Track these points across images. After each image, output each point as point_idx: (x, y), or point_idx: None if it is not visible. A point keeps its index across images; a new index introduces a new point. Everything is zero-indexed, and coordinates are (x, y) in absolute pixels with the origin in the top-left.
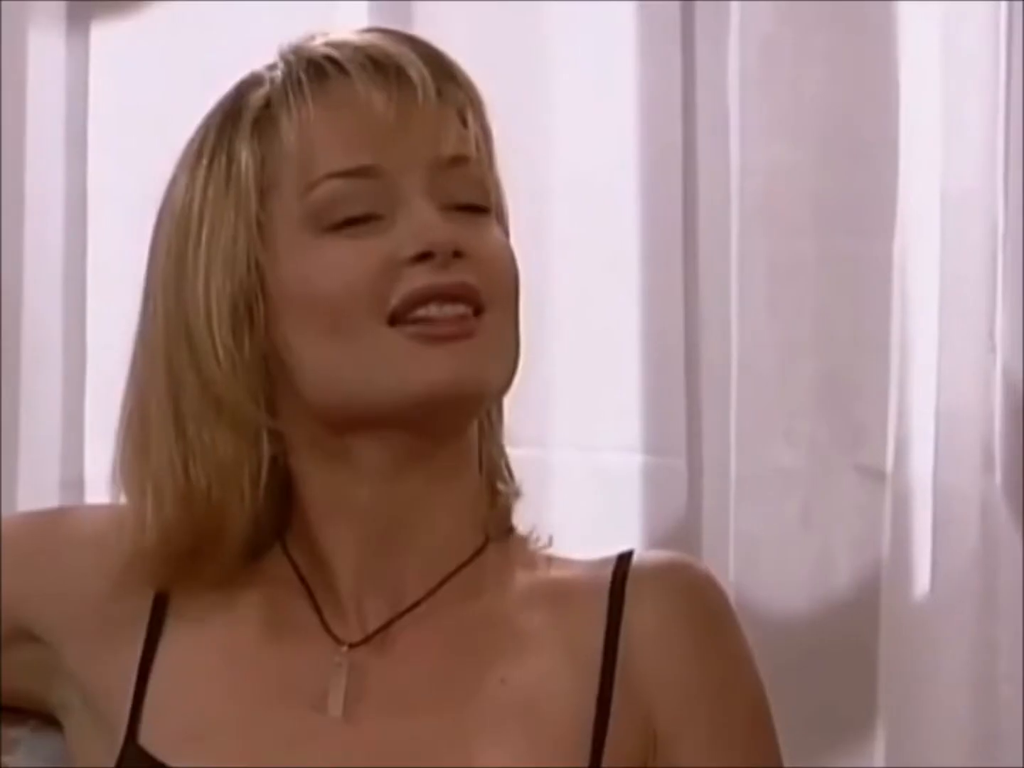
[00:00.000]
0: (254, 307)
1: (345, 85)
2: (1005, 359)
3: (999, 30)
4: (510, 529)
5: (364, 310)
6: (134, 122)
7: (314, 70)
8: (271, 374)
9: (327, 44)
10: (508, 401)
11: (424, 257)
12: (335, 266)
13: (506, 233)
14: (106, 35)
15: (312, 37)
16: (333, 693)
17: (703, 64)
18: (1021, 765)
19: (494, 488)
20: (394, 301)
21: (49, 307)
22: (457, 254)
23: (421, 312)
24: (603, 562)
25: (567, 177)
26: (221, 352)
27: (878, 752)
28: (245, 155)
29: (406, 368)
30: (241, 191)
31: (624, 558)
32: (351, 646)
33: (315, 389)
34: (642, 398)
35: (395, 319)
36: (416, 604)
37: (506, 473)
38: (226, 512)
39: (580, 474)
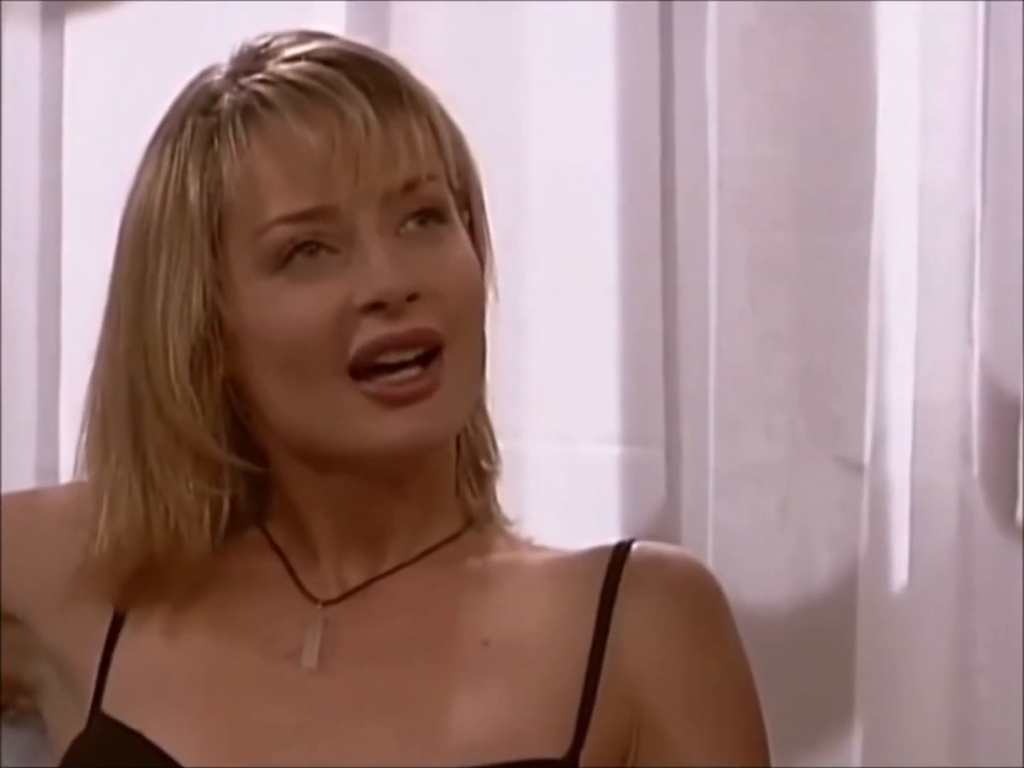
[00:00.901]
0: (212, 346)
1: (284, 126)
2: (983, 351)
3: (977, 24)
4: (494, 514)
5: (323, 360)
6: (109, 118)
7: (250, 113)
8: (238, 399)
9: (263, 80)
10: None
11: (378, 306)
12: (292, 313)
13: (476, 224)
14: (80, 32)
15: (263, 48)
16: (308, 647)
17: (681, 58)
18: (998, 758)
19: (478, 468)
20: (351, 352)
21: (24, 295)
22: (413, 297)
23: (380, 359)
24: (600, 548)
25: (546, 171)
26: (179, 393)
27: (855, 745)
28: (193, 192)
29: (366, 428)
30: (194, 232)
31: (622, 546)
32: (326, 603)
33: (280, 426)
34: (620, 389)
35: (354, 370)
36: (397, 568)
37: (490, 447)
38: (183, 540)
39: (557, 465)
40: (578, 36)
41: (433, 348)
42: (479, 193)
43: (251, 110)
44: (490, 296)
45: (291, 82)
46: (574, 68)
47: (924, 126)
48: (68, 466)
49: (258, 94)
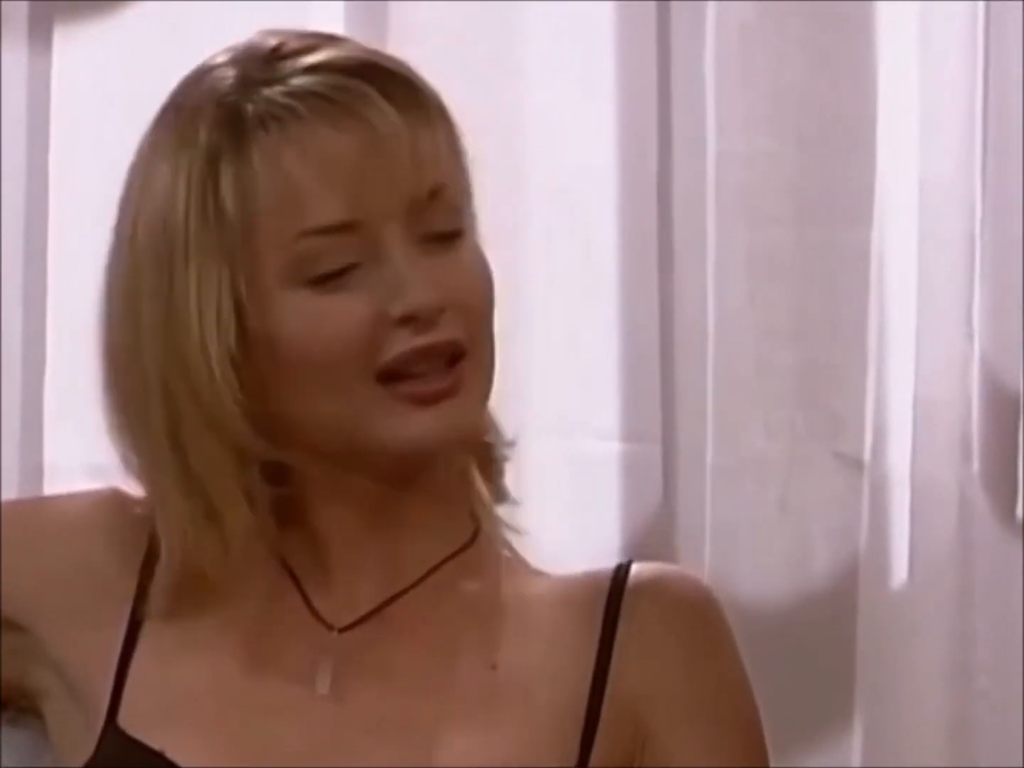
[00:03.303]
0: (246, 353)
1: (317, 138)
2: (983, 347)
3: (977, 19)
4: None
5: (352, 368)
6: (97, 111)
7: (282, 126)
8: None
9: (290, 93)
10: None
11: (410, 319)
12: (322, 326)
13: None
14: (69, 28)
15: (273, 53)
16: (321, 673)
17: (679, 55)
18: (998, 754)
19: (486, 457)
20: (383, 361)
21: (9, 294)
22: (442, 310)
23: (412, 369)
24: (600, 571)
25: (544, 167)
26: (228, 393)
27: (855, 741)
28: (230, 202)
29: (394, 429)
30: (227, 243)
31: (622, 568)
32: (341, 630)
33: (309, 430)
34: (619, 385)
35: (383, 376)
36: (407, 590)
37: (493, 429)
38: (231, 530)
39: (556, 462)
40: (577, 34)
41: (458, 355)
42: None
43: (282, 122)
44: None
45: (320, 95)
46: (573, 62)
47: (924, 122)
48: (52, 466)
49: (289, 107)
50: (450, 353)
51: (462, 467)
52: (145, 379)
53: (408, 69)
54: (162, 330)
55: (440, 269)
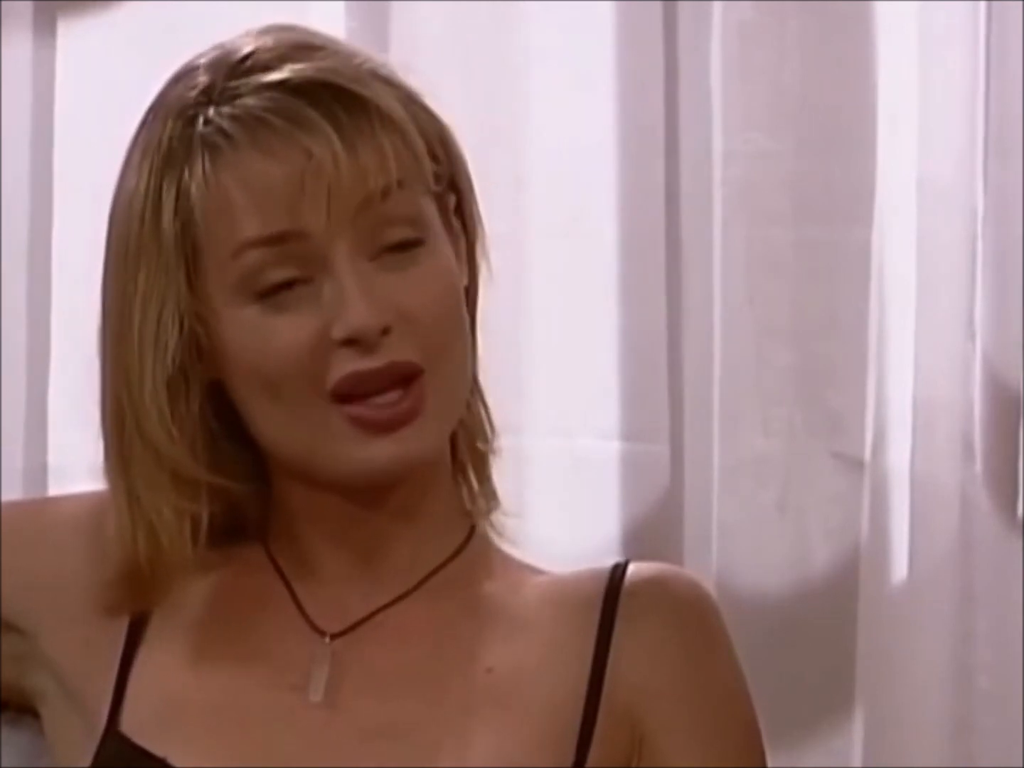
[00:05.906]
0: (190, 369)
1: (251, 164)
2: (984, 347)
3: (977, 17)
4: (492, 505)
5: (303, 387)
6: (101, 109)
7: (218, 151)
8: (225, 415)
9: (232, 116)
10: (485, 389)
11: (352, 341)
12: (269, 343)
13: (464, 202)
14: (73, 26)
15: (240, 64)
16: (314, 680)
17: (684, 52)
18: (997, 754)
19: (475, 449)
20: (329, 384)
21: (13, 293)
22: (387, 331)
23: (358, 391)
24: (597, 570)
25: (547, 165)
26: (156, 414)
27: (856, 740)
28: (167, 220)
29: (349, 453)
30: (169, 262)
31: (619, 568)
32: (333, 636)
33: (266, 445)
34: (622, 385)
35: (336, 397)
36: (400, 597)
37: (487, 426)
38: (165, 554)
39: (559, 461)
40: (580, 27)
41: (411, 375)
42: (466, 173)
43: (218, 148)
44: (484, 271)
45: (259, 119)
46: (576, 60)
47: (924, 118)
48: (56, 466)
49: (224, 132)
50: (398, 376)
51: (442, 468)
52: (105, 387)
53: (361, 84)
54: (117, 338)
55: (392, 285)
